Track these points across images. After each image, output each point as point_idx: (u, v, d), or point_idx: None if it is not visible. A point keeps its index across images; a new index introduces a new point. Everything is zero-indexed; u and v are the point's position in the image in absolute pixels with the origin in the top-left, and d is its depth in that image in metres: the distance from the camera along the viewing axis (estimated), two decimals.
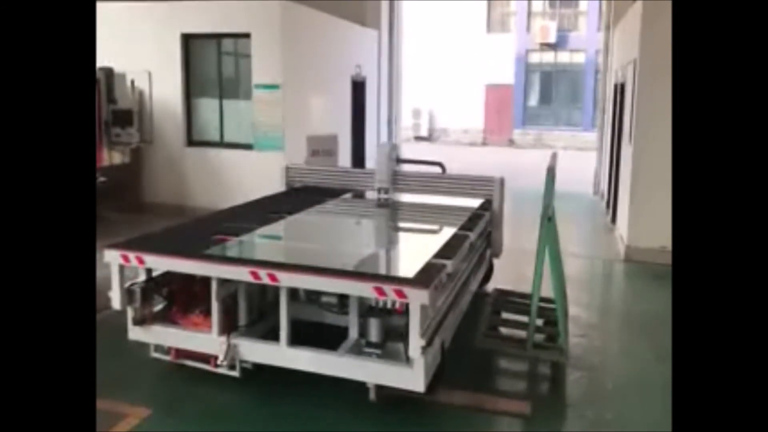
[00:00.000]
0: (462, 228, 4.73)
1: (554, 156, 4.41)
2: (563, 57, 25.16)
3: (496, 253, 5.92)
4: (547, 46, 24.93)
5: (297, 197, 5.96)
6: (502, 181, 5.75)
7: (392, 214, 5.98)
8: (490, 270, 6.05)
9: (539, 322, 4.54)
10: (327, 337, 3.94)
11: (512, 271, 6.32)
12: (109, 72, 8.73)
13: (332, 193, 6.13)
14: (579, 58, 24.70)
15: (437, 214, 5.72)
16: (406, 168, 6.63)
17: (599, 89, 13.93)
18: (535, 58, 25.38)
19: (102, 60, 8.73)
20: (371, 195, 6.50)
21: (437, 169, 6.52)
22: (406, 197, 6.38)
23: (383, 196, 5.87)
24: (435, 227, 5.16)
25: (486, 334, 4.50)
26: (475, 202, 5.72)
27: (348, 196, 6.26)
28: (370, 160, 13.05)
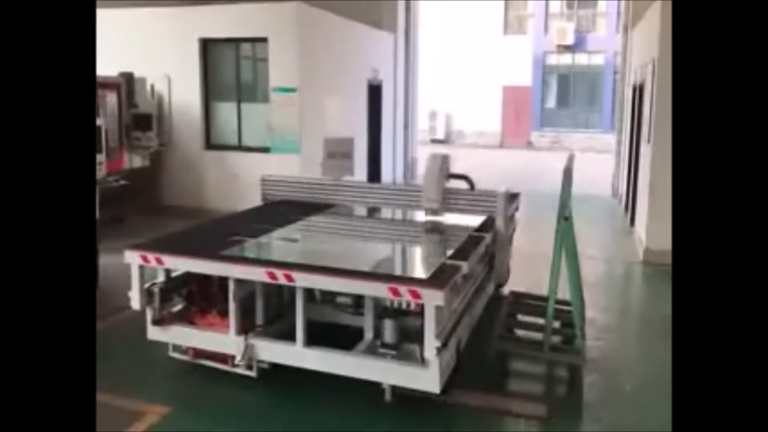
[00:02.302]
0: (454, 257, 3.99)
1: (571, 157, 4.38)
2: (581, 59, 24.96)
3: (501, 281, 5.24)
4: (564, 48, 24.76)
5: (273, 212, 5.30)
6: (507, 196, 4.99)
7: (366, 235, 5.26)
8: (506, 273, 6.00)
9: (556, 324, 4.52)
10: (342, 338, 3.96)
11: (528, 274, 6.28)
12: (129, 77, 8.88)
13: (315, 208, 5.44)
14: (597, 59, 24.49)
15: (424, 238, 4.99)
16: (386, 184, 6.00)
17: (618, 90, 13.82)
18: (552, 59, 25.22)
19: (122, 65, 8.90)
20: (360, 211, 5.81)
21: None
22: (398, 214, 5.73)
23: (431, 218, 5.07)
24: (419, 255, 4.57)
25: (502, 336, 4.49)
26: (476, 220, 5.05)
27: (333, 210, 5.58)
28: (386, 164, 13.08)
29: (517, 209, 5.93)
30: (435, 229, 4.99)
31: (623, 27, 12.73)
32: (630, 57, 11.81)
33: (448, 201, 5.16)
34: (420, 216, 5.36)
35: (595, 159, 15.92)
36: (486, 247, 4.60)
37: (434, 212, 5.02)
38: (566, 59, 25.15)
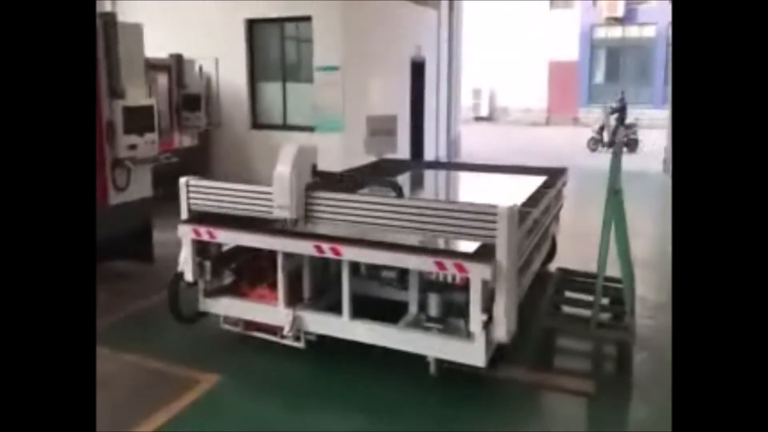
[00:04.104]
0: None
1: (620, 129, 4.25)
2: (631, 31, 24.01)
3: (501, 339, 3.51)
4: (614, 20, 23.86)
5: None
6: (513, 214, 3.37)
7: None
8: (552, 249, 5.94)
9: (605, 301, 4.44)
10: (388, 312, 4.01)
11: (576, 250, 6.18)
12: (179, 58, 9.07)
13: (253, 225, 4.11)
14: (649, 32, 23.51)
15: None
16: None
17: (670, 63, 13.26)
18: (601, 33, 24.37)
19: (172, 47, 9.10)
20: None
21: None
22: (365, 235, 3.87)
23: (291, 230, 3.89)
24: None
25: (549, 313, 4.45)
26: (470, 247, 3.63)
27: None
28: (429, 141, 13.00)
29: (564, 184, 5.83)
30: None
31: None
32: None
33: (425, 220, 3.57)
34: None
35: (646, 135, 15.40)
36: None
37: (293, 223, 3.84)
38: (616, 32, 24.25)
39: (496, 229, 3.37)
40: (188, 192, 4.30)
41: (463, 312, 3.55)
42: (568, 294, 4.88)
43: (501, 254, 3.38)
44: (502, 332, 3.49)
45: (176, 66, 8.98)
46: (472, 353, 3.55)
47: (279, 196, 3.81)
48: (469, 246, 3.62)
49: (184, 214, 4.32)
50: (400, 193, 4.31)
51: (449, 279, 3.82)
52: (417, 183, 6.33)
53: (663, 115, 15.13)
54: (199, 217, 4.28)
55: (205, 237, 4.12)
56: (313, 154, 4.04)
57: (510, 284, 3.44)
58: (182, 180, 4.32)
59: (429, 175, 6.67)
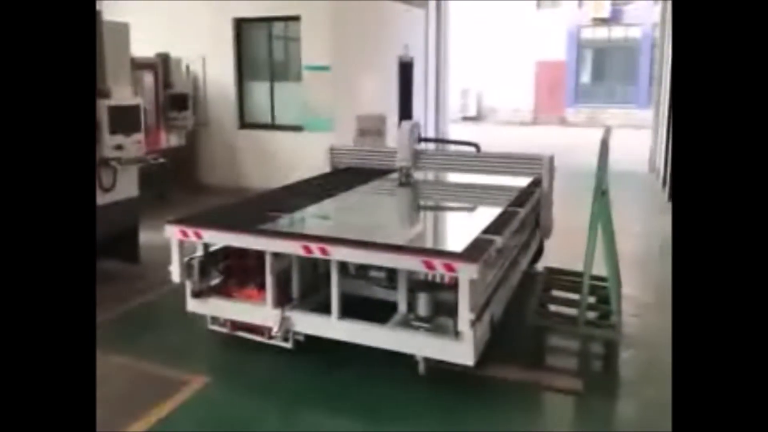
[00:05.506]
0: (512, 204, 4.71)
1: (608, 129, 4.30)
2: (617, 32, 24.22)
3: (546, 234, 5.87)
4: (600, 21, 24.05)
5: (341, 178, 5.99)
6: (551, 160, 5.65)
7: (436, 194, 6.05)
8: (539, 251, 5.97)
9: (591, 299, 4.48)
10: (377, 312, 4.00)
11: (563, 250, 6.22)
12: (165, 57, 8.99)
13: (379, 174, 6.09)
14: (634, 32, 23.72)
15: (485, 194, 5.65)
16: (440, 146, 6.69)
17: (655, 64, 13.42)
18: (587, 33, 24.55)
19: (158, 46, 9.03)
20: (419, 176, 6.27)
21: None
22: (451, 177, 6.39)
23: (405, 175, 5.89)
24: (482, 205, 5.15)
25: (537, 312, 4.48)
26: (523, 181, 5.65)
27: (395, 176, 6.02)
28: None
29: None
30: (407, 182, 5.82)
31: None
32: (669, 28, 11.41)
33: (495, 165, 5.93)
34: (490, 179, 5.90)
35: (632, 135, 15.55)
36: (536, 202, 5.22)
37: (407, 169, 5.82)
38: (602, 33, 24.44)
39: (542, 168, 5.61)
40: (332, 153, 6.43)
41: (452, 311, 3.56)
42: (556, 293, 4.91)
43: (545, 183, 5.61)
44: (546, 232, 5.79)
45: (163, 65, 8.91)
46: (460, 352, 3.56)
47: (400, 153, 5.89)
48: (457, 245, 3.64)
49: (327, 169, 6.29)
50: (478, 148, 6.55)
51: (438, 279, 3.83)
52: (408, 179, 6.30)
53: (648, 115, 15.29)
54: (186, 219, 4.27)
55: (192, 237, 4.09)
56: (419, 128, 6.19)
57: (550, 202, 5.73)
58: (328, 146, 6.55)
59: (418, 174, 6.67)
